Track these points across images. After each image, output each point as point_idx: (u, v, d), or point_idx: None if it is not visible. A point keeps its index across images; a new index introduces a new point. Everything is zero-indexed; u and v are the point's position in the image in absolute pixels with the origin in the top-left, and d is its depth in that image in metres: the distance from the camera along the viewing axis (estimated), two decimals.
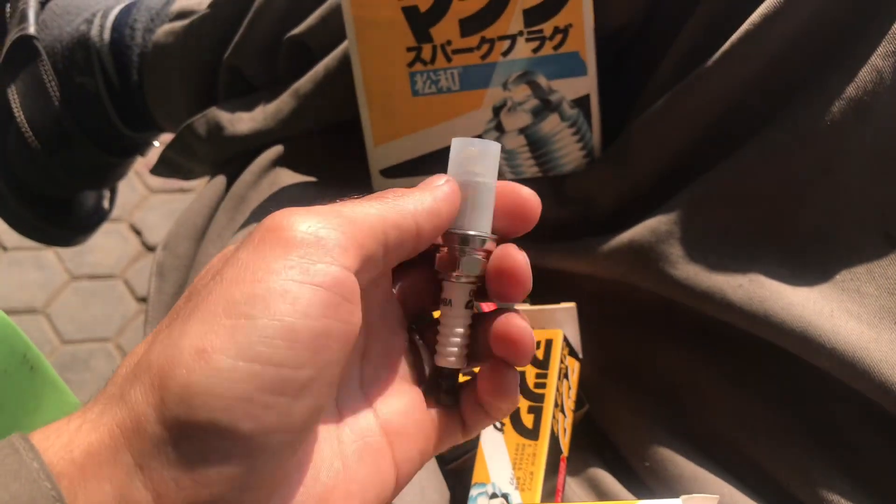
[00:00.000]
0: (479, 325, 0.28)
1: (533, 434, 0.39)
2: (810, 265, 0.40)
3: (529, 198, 0.27)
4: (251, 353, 0.21)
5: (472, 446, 0.43)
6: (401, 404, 0.27)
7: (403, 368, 0.28)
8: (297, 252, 0.22)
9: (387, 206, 0.25)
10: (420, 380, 0.29)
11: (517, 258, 0.27)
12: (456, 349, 0.28)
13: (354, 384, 0.27)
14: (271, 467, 0.21)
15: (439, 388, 0.28)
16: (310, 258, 0.22)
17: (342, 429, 0.26)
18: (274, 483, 0.22)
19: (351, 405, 0.26)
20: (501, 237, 0.28)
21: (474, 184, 0.27)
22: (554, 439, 0.40)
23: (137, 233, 1.29)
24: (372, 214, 0.24)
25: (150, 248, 1.28)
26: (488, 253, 0.27)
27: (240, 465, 0.21)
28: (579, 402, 0.45)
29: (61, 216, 0.71)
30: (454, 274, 0.27)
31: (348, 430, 0.26)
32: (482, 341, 0.27)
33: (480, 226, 0.27)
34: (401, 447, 0.26)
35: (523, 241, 0.28)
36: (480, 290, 0.28)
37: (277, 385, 0.21)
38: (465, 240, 0.27)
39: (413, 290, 0.29)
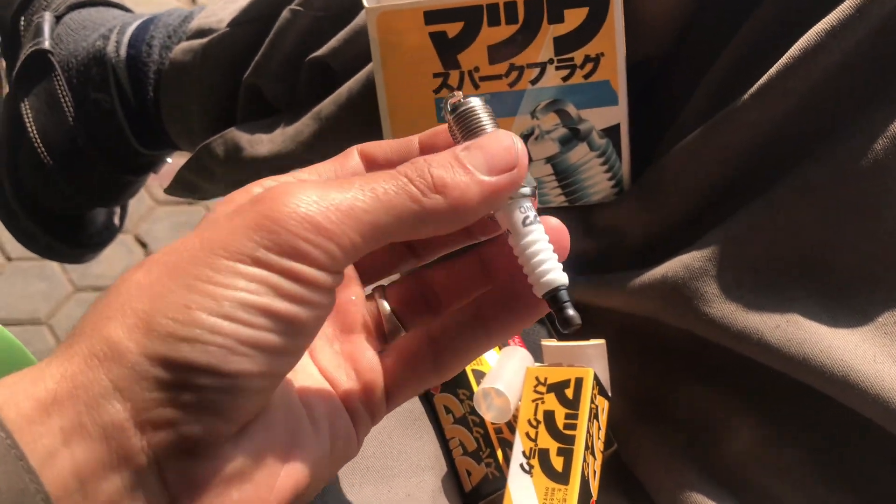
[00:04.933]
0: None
1: (563, 478, 0.38)
2: (850, 307, 0.39)
3: (557, 227, 0.28)
4: (232, 315, 0.22)
5: (500, 486, 0.42)
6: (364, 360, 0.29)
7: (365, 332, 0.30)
8: (284, 257, 0.23)
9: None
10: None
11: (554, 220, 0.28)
12: (557, 260, 0.27)
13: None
14: (247, 403, 0.23)
15: (562, 313, 0.26)
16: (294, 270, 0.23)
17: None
18: (248, 416, 0.24)
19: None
20: None
21: None
22: (584, 483, 0.38)
23: (143, 245, 1.28)
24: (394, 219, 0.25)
25: None
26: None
27: (218, 396, 0.22)
28: (608, 442, 0.43)
29: (72, 233, 0.70)
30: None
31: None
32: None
33: None
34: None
35: None
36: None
37: (256, 342, 0.23)
38: None
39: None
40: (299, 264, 0.23)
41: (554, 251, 0.27)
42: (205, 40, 0.59)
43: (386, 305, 0.31)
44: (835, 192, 0.39)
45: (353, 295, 0.30)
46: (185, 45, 0.61)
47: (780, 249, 0.41)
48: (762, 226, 0.41)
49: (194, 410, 0.22)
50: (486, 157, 0.26)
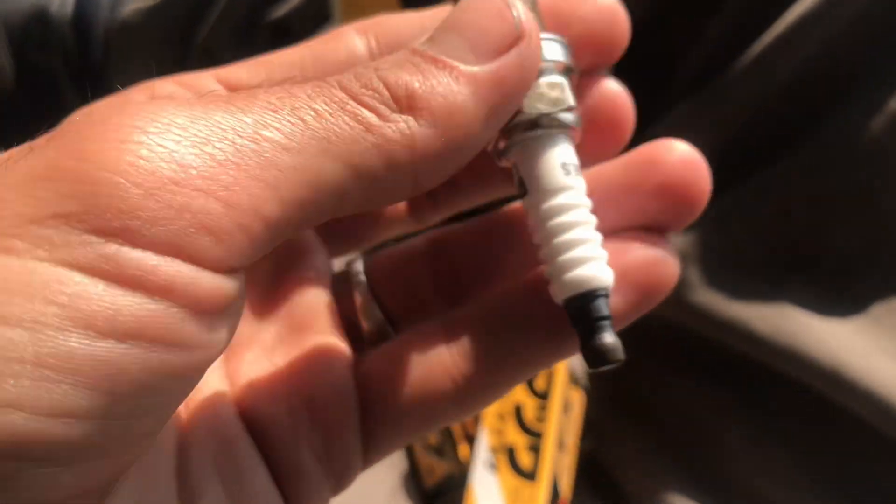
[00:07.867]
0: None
1: (531, 475, 0.35)
2: (844, 296, 0.37)
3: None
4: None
5: (459, 483, 0.38)
6: None
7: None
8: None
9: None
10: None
11: (611, 89, 0.20)
12: (600, 246, 0.17)
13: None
14: (79, 481, 0.13)
15: (593, 339, 0.16)
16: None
17: None
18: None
19: None
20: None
21: None
22: (554, 481, 0.35)
23: None
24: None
25: None
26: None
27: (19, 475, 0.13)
28: (583, 439, 0.40)
29: None
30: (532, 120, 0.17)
31: None
32: None
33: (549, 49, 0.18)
34: None
35: None
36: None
37: (62, 410, 0.13)
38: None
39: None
40: (155, 259, 0.13)
41: (598, 228, 0.17)
42: (157, 0, 0.55)
43: (365, 289, 0.21)
44: (830, 172, 0.37)
45: (312, 269, 0.21)
46: (136, 4, 0.57)
47: (771, 234, 0.38)
48: (753, 208, 0.38)
49: None
50: (467, 36, 0.16)
